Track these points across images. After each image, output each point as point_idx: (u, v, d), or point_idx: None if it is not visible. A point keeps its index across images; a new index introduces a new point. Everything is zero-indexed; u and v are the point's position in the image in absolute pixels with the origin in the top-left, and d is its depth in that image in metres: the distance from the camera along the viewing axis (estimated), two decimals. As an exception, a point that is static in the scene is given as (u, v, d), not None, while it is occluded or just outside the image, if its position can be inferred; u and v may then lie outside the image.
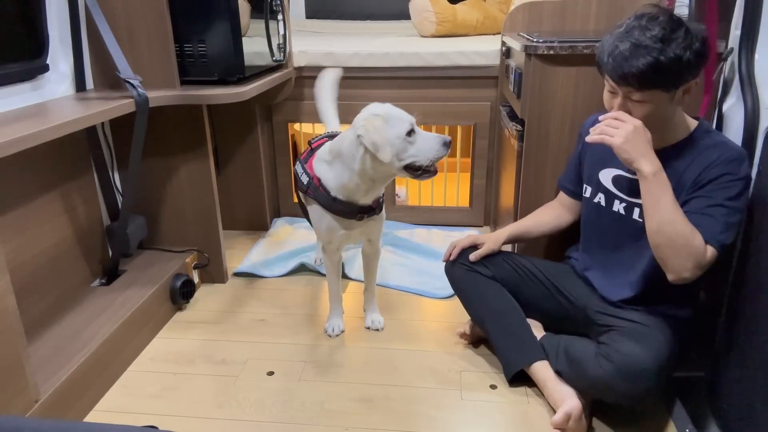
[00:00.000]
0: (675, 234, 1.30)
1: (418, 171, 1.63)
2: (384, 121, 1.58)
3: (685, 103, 1.37)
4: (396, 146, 1.58)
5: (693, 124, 1.43)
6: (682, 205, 1.37)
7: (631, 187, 1.52)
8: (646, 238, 1.47)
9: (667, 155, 1.42)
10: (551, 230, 1.80)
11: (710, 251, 1.31)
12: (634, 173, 1.48)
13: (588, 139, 1.39)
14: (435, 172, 1.64)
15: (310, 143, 1.84)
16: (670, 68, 1.27)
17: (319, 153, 1.73)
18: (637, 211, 1.51)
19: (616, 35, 1.33)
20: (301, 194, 1.84)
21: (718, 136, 1.41)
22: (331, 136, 1.82)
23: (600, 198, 1.61)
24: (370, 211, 1.74)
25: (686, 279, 1.32)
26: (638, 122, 1.33)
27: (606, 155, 1.57)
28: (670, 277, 1.35)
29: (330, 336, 1.93)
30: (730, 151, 1.34)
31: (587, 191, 1.65)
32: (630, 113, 1.35)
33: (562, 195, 1.81)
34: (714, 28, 1.48)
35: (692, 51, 1.27)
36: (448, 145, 1.61)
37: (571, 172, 1.75)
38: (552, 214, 1.81)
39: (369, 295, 2.01)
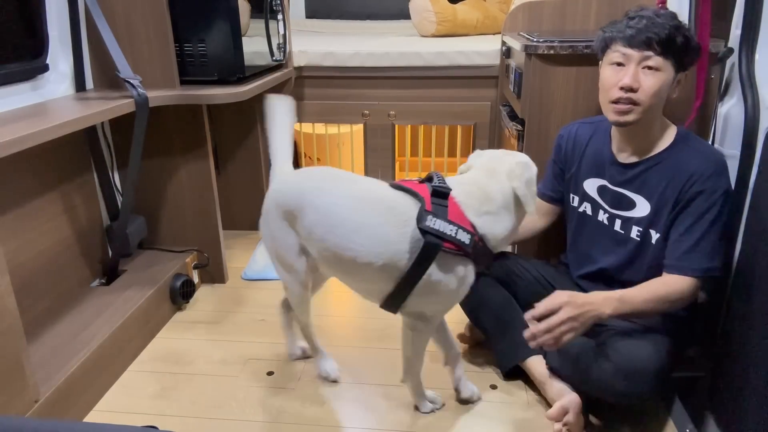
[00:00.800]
0: (660, 308, 1.38)
1: None
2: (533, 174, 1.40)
3: (675, 96, 1.41)
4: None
5: (672, 132, 1.46)
6: (671, 224, 1.41)
7: (613, 198, 1.53)
8: (629, 248, 1.50)
9: (648, 167, 1.46)
10: (525, 239, 1.79)
11: (695, 281, 1.37)
12: (617, 185, 1.52)
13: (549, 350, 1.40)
14: None
15: (440, 192, 1.35)
16: (686, 39, 1.35)
17: (470, 204, 1.35)
18: (618, 222, 1.53)
19: (625, 18, 1.39)
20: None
21: (696, 143, 1.43)
22: (427, 178, 1.43)
23: (586, 207, 1.62)
24: None
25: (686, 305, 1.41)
26: (566, 312, 1.30)
27: (589, 165, 1.59)
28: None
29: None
30: (708, 164, 1.37)
31: (575, 200, 1.65)
32: (639, 86, 1.35)
33: (537, 201, 1.77)
34: (706, 32, 1.49)
35: (693, 41, 1.37)
36: None
37: (551, 180, 1.73)
38: (525, 226, 1.70)
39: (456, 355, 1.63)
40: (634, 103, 1.37)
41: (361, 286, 1.46)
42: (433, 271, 1.33)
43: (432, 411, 1.57)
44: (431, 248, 1.30)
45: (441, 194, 1.34)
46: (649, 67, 1.35)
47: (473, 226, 1.32)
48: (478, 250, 1.34)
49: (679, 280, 1.38)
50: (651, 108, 1.38)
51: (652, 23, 1.33)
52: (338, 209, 1.37)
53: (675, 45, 1.33)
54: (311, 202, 1.40)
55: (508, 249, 1.93)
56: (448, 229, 1.30)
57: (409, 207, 1.33)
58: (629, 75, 1.35)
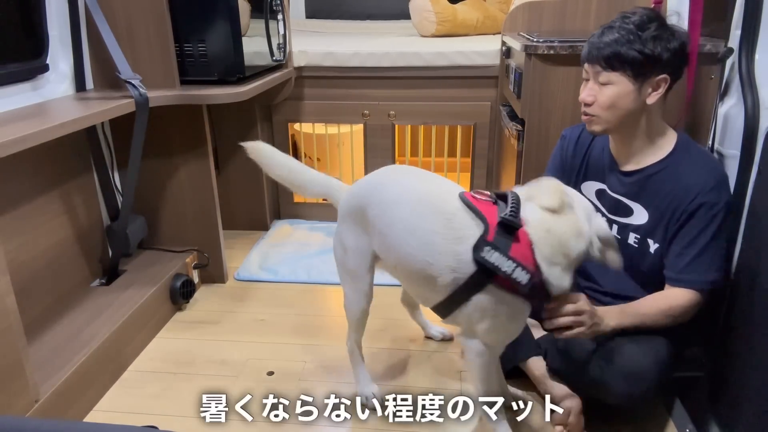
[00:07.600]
0: (663, 321, 1.39)
1: None
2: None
3: (654, 101, 1.37)
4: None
5: (672, 140, 1.44)
6: (672, 237, 1.40)
7: (610, 204, 1.53)
8: (625, 254, 1.48)
9: (647, 175, 1.44)
10: None
11: (699, 294, 1.37)
12: (615, 191, 1.51)
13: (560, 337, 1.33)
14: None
15: (504, 223, 1.25)
16: (638, 51, 1.31)
17: (543, 249, 1.24)
18: (615, 228, 1.52)
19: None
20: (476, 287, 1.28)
21: (697, 154, 1.42)
22: (501, 196, 1.34)
23: None
24: None
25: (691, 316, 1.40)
26: (587, 319, 1.30)
27: (591, 168, 1.58)
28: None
29: None
30: (709, 177, 1.36)
31: None
32: (595, 100, 1.38)
33: None
34: (696, 34, 1.49)
35: (665, 47, 1.32)
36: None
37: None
38: None
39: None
40: (592, 115, 1.40)
41: (413, 290, 1.46)
42: (482, 299, 1.27)
43: None
44: (479, 280, 1.25)
45: (509, 227, 1.24)
46: (602, 83, 1.37)
47: (538, 268, 1.23)
48: (537, 295, 1.26)
49: (682, 294, 1.38)
50: (611, 119, 1.39)
51: (601, 36, 1.34)
52: (399, 205, 1.35)
53: (622, 59, 1.32)
54: (377, 194, 1.39)
55: None
56: (506, 265, 1.22)
57: (467, 226, 1.26)
58: (585, 90, 1.40)
